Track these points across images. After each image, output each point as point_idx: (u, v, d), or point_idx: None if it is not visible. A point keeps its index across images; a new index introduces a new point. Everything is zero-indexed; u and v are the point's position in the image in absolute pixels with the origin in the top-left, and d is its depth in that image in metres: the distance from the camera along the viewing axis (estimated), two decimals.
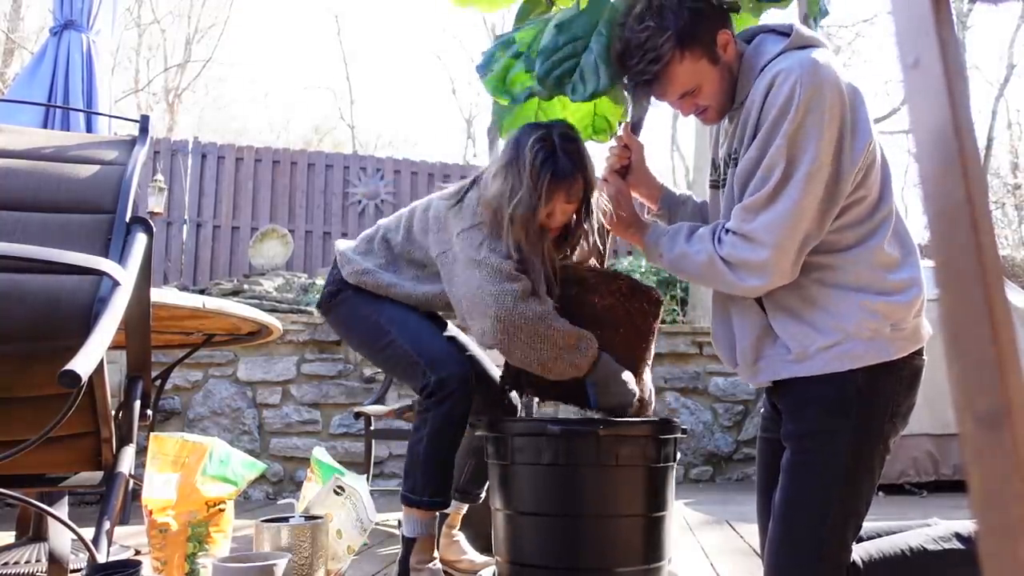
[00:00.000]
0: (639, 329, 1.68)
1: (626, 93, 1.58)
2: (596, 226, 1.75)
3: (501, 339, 1.55)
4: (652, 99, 1.49)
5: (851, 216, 1.29)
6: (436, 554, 1.73)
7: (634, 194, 1.62)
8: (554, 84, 1.43)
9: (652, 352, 1.76)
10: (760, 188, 1.26)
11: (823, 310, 1.30)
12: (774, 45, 1.33)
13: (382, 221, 1.98)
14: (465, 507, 2.07)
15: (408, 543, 1.71)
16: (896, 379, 1.30)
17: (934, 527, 1.38)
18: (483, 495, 2.06)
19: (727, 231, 1.32)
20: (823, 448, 1.29)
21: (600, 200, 1.66)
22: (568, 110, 1.72)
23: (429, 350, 1.72)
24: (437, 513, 1.72)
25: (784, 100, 1.23)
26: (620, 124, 1.68)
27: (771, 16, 1.59)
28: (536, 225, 1.64)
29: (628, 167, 1.62)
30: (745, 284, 1.30)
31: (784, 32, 1.35)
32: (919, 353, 1.33)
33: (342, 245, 1.96)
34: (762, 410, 1.55)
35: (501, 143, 1.83)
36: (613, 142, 1.65)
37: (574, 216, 1.74)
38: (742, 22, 1.51)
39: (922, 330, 1.33)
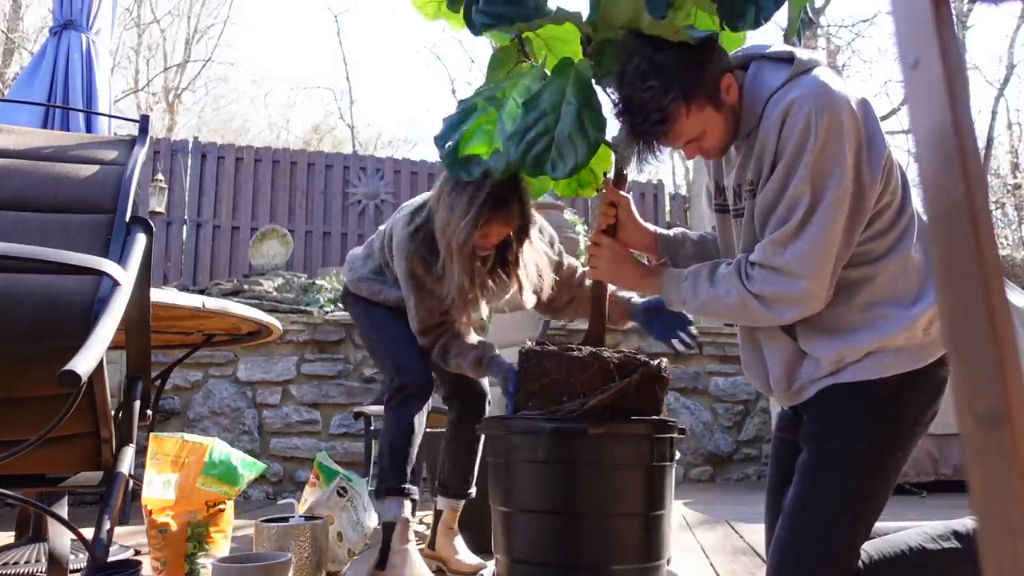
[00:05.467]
0: (647, 414, 1.52)
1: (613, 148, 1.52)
2: (539, 256, 1.88)
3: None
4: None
5: (879, 224, 1.28)
6: (413, 536, 1.94)
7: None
8: (532, 165, 1.38)
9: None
10: (787, 220, 1.24)
11: (857, 325, 1.28)
12: (773, 73, 1.30)
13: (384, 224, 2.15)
14: (459, 504, 2.10)
15: (388, 528, 1.93)
16: (921, 388, 1.29)
17: (932, 526, 1.38)
18: (470, 491, 2.12)
19: (753, 265, 1.29)
20: (843, 452, 1.28)
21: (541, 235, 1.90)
22: None
23: (398, 358, 2.02)
24: (408, 500, 1.95)
25: (801, 130, 1.21)
26: (605, 175, 1.62)
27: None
28: (470, 247, 1.75)
29: (616, 224, 1.57)
30: (782, 317, 1.29)
31: (782, 58, 1.32)
32: (944, 363, 1.31)
33: (354, 249, 2.25)
34: (778, 410, 1.53)
35: None
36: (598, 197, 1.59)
37: (514, 239, 1.83)
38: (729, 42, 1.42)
39: None
